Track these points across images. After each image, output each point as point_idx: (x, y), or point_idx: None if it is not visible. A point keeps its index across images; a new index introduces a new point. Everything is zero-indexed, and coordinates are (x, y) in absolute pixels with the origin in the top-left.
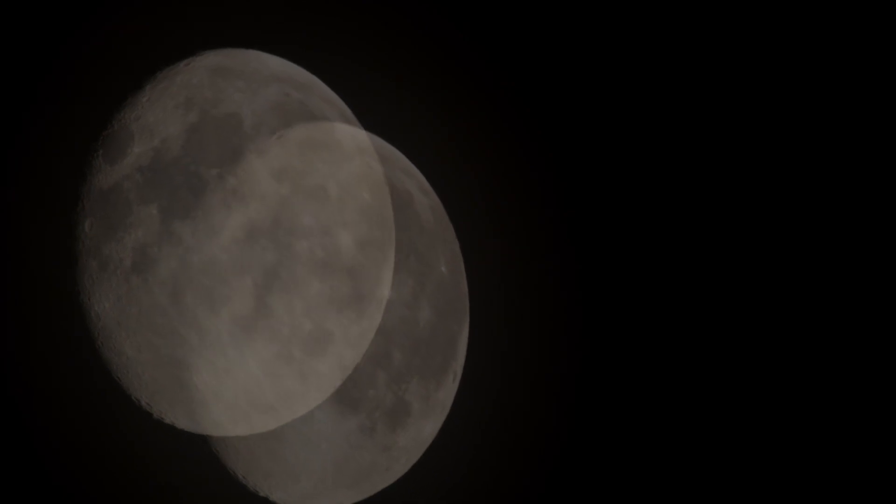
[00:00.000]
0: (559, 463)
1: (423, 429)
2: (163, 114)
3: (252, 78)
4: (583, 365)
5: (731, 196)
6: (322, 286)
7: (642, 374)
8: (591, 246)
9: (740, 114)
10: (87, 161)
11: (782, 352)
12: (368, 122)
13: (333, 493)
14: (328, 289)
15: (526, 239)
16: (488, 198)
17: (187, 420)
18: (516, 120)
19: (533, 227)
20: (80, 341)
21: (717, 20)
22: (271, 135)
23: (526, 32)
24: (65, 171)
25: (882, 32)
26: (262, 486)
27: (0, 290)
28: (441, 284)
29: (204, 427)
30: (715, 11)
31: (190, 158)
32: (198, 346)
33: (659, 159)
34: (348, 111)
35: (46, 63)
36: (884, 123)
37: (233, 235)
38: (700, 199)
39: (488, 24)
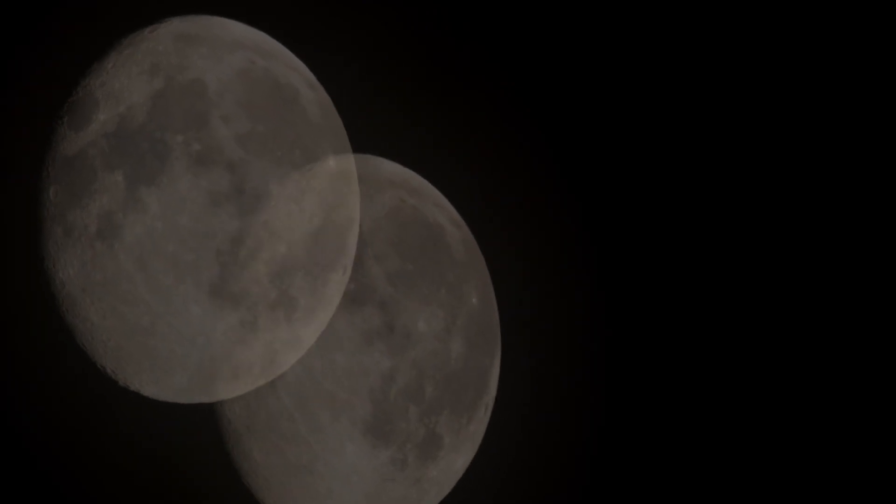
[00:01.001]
0: (590, 495)
1: (455, 462)
2: (128, 80)
3: (216, 44)
4: (614, 398)
5: (761, 219)
6: (288, 251)
7: (675, 406)
8: (625, 277)
9: (764, 118)
10: (51, 128)
11: (820, 376)
12: (400, 154)
13: None
14: (288, 252)
15: (557, 270)
16: (519, 229)
17: (153, 387)
18: (547, 151)
19: (565, 257)
20: (44, 308)
21: (726, 18)
22: (302, 168)
23: (557, 66)
24: (29, 139)
25: (882, 32)
26: None
27: None
28: (472, 316)
29: (169, 394)
30: (720, 10)
31: (155, 125)
32: (163, 312)
33: (689, 189)
34: (312, 77)
35: (10, 31)
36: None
37: (198, 202)
38: (734, 236)
39: (519, 56)
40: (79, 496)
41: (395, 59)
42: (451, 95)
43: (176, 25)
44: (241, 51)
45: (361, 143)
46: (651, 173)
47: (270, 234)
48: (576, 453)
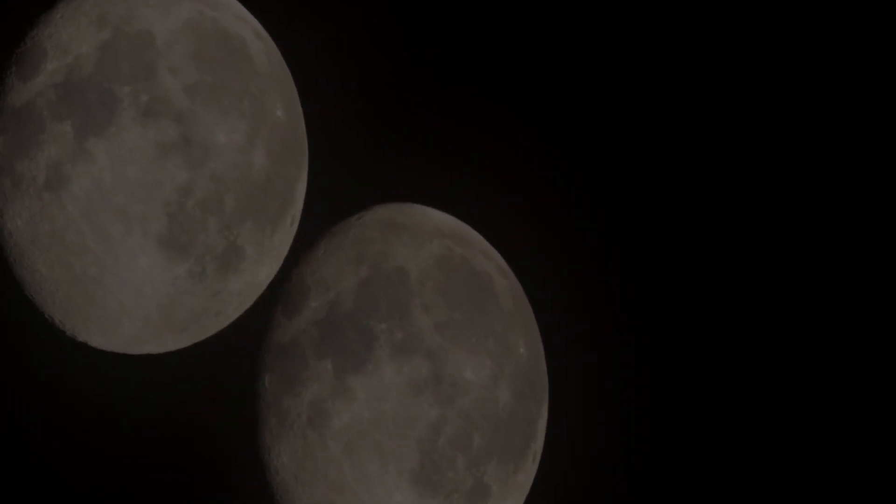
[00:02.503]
0: None
1: None
2: (76, 31)
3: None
4: (662, 448)
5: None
6: (237, 203)
7: (722, 452)
8: (673, 327)
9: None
10: None
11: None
12: (448, 203)
13: None
14: (236, 203)
15: (605, 320)
16: (567, 279)
17: (101, 337)
18: (595, 202)
19: (612, 307)
20: None
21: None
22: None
23: (608, 123)
24: None
25: (882, 32)
26: None
27: None
28: (520, 366)
29: (117, 344)
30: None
31: (103, 76)
32: (111, 264)
33: (740, 242)
34: (260, 27)
35: None
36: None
37: (146, 153)
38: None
39: (570, 112)
40: (23, 445)
41: (447, 112)
42: (501, 147)
43: None
44: (189, 1)
45: (410, 192)
46: (701, 224)
47: (218, 184)
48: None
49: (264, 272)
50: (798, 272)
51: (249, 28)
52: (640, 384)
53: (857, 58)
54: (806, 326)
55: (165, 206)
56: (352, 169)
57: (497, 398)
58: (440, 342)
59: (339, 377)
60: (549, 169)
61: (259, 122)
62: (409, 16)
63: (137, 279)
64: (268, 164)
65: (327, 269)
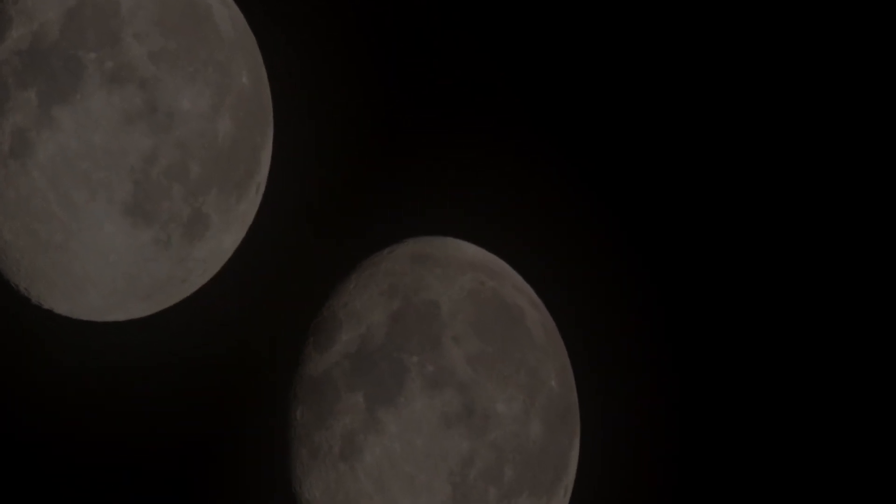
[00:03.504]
0: None
1: None
2: None
3: None
4: (695, 483)
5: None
6: (202, 170)
7: (757, 483)
8: (706, 361)
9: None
10: None
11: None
12: (479, 236)
13: None
14: (201, 170)
15: (638, 353)
16: (599, 312)
17: (66, 305)
18: (627, 237)
19: (645, 340)
20: None
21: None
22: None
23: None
24: None
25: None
26: None
27: None
28: (552, 399)
29: (82, 312)
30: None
31: (68, 42)
32: (76, 230)
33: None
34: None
35: None
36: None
37: (111, 120)
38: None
39: (603, 145)
40: None
41: (478, 144)
42: (535, 181)
43: None
44: None
45: (441, 225)
46: (741, 262)
47: (183, 151)
48: None
49: (230, 240)
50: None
51: None
52: (672, 418)
53: (858, 57)
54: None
55: (131, 172)
56: (382, 203)
57: (529, 431)
58: (472, 375)
59: (370, 410)
60: (583, 203)
61: (225, 89)
62: (420, 32)
63: (102, 246)
64: (234, 131)
65: (359, 302)
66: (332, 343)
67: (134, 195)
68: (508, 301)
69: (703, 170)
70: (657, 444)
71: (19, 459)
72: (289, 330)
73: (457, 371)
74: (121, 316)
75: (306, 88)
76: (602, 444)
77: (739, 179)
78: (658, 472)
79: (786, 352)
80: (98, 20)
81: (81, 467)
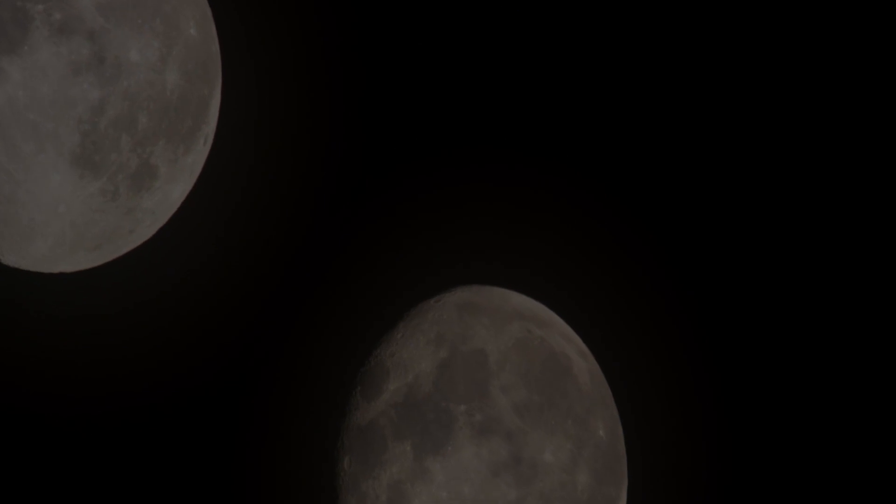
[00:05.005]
0: None
1: None
2: None
3: None
4: None
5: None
6: (150, 122)
7: None
8: (752, 409)
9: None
10: None
11: None
12: (527, 286)
13: None
14: (148, 121)
15: (685, 402)
16: (647, 361)
17: (14, 255)
18: (672, 284)
19: (693, 390)
20: None
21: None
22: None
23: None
24: None
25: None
26: None
27: None
28: (599, 448)
29: (30, 262)
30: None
31: None
32: (24, 180)
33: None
34: None
35: None
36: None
37: (59, 71)
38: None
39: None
40: None
41: (523, 198)
42: (582, 230)
43: None
44: None
45: (488, 274)
46: (787, 309)
47: (131, 103)
48: None
49: (177, 190)
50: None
51: None
52: (722, 469)
53: (858, 57)
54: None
55: (78, 123)
56: (429, 252)
57: (576, 480)
58: (519, 424)
59: (418, 459)
60: (631, 252)
61: (172, 40)
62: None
63: (50, 197)
64: (181, 82)
65: (406, 351)
66: (379, 392)
67: (82, 146)
68: (556, 350)
69: (755, 224)
70: (705, 493)
71: None
72: (336, 379)
73: (504, 420)
74: (69, 267)
75: (255, 40)
76: (649, 494)
77: (785, 234)
78: None
79: (846, 408)
80: None
81: (27, 416)
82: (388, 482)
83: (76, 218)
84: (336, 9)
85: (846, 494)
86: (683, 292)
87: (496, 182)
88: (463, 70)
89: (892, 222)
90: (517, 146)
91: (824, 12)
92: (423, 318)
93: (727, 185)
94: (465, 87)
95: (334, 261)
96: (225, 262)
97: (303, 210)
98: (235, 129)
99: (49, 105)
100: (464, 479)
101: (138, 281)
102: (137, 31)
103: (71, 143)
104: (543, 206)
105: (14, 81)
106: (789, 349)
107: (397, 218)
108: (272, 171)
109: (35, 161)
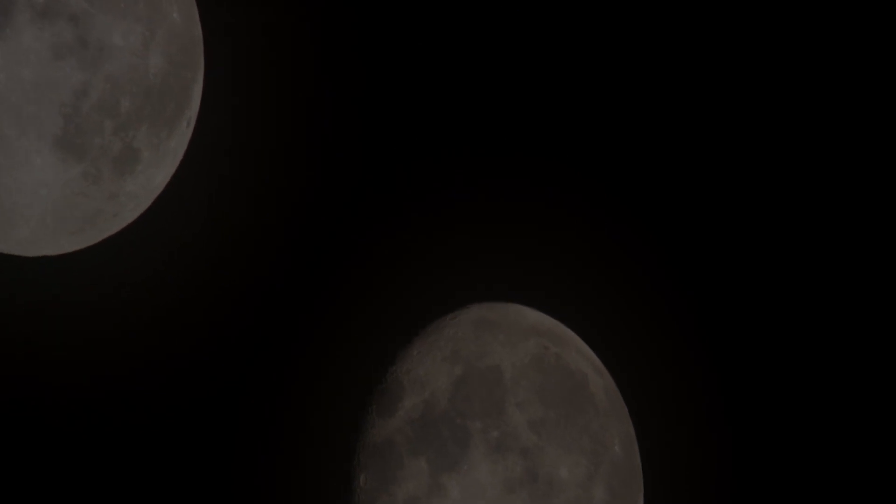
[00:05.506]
0: None
1: None
2: None
3: None
4: None
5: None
6: (133, 105)
7: None
8: (767, 426)
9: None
10: None
11: None
12: (543, 302)
13: None
14: (131, 105)
15: (700, 419)
16: (662, 378)
17: None
18: (688, 303)
19: (708, 406)
20: None
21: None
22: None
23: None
24: None
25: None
26: None
27: None
28: (615, 465)
29: (12, 246)
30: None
31: None
32: (5, 164)
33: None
34: None
35: None
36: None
37: (42, 54)
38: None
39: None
40: None
41: (538, 213)
42: (596, 246)
43: None
44: None
45: (505, 291)
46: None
47: (114, 86)
48: None
49: (160, 175)
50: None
51: None
52: (737, 483)
53: (858, 57)
54: None
55: (61, 107)
56: (444, 269)
57: (592, 497)
58: (535, 440)
59: (433, 476)
60: (646, 269)
61: (155, 24)
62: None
63: (32, 180)
64: (164, 66)
65: (422, 368)
66: (395, 409)
67: (64, 130)
68: (572, 367)
69: (770, 240)
70: None
71: None
72: (351, 396)
73: (520, 436)
74: (51, 250)
75: (237, 24)
76: None
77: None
78: None
79: (868, 423)
80: None
81: (7, 401)
82: (403, 499)
83: (58, 201)
84: (520, 197)
85: None
86: (700, 310)
87: (512, 198)
88: (477, 79)
89: (892, 222)
90: (533, 163)
91: (824, 12)
92: (439, 335)
93: (742, 202)
94: (480, 98)
95: (349, 277)
96: (209, 247)
97: (289, 198)
98: (218, 112)
99: (31, 88)
100: (480, 495)
101: (121, 265)
102: (120, 15)
103: (53, 126)
104: (559, 222)
105: None
106: (807, 367)
107: (412, 234)
108: (256, 156)
109: (17, 145)
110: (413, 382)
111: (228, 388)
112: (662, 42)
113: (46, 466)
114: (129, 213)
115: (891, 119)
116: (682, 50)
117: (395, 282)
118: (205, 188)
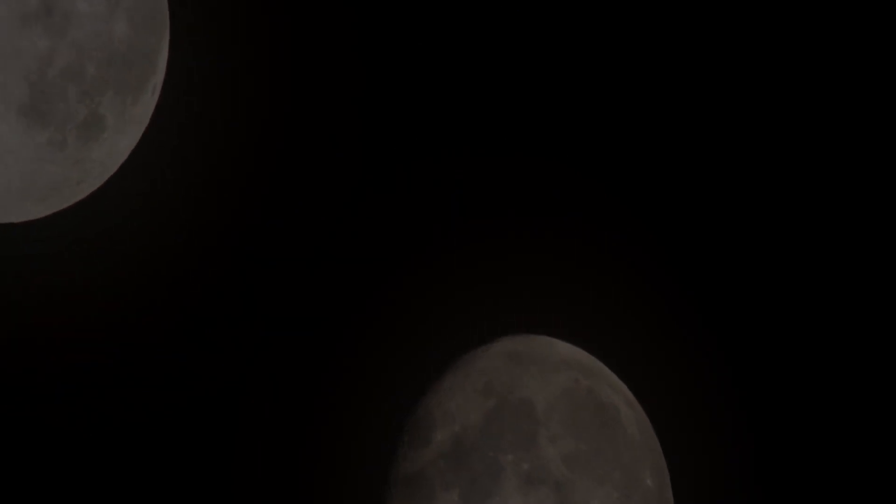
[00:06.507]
0: None
1: None
2: None
3: None
4: None
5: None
6: (98, 72)
7: None
8: (799, 457)
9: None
10: None
11: None
12: (575, 335)
13: None
14: (96, 72)
15: (732, 453)
16: (694, 411)
17: None
18: (715, 332)
19: (739, 441)
20: None
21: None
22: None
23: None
24: None
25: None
26: None
27: None
28: (647, 498)
29: None
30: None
31: None
32: None
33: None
34: None
35: None
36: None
37: (7, 22)
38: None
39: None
40: None
41: (569, 248)
42: (627, 280)
43: None
44: None
45: (537, 324)
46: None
47: (79, 53)
48: None
49: (125, 141)
50: None
51: None
52: None
53: (858, 57)
54: None
55: (26, 74)
56: (476, 302)
57: None
58: (567, 473)
59: None
60: (678, 302)
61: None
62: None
63: None
64: (129, 33)
65: (454, 401)
66: (427, 442)
67: (30, 96)
68: (603, 399)
69: (806, 276)
70: None
71: None
72: (383, 428)
73: (552, 469)
74: (17, 217)
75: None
76: None
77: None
78: None
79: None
80: None
81: None
82: None
83: (24, 168)
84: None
85: None
86: (731, 343)
87: (543, 232)
88: (508, 101)
89: (892, 222)
90: (563, 196)
91: (824, 12)
92: (471, 368)
93: (775, 230)
94: (510, 120)
95: (381, 311)
96: (175, 214)
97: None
98: (183, 79)
99: None
100: None
101: (87, 231)
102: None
103: (19, 93)
104: (590, 256)
105: None
106: (845, 405)
107: (447, 268)
108: (221, 124)
109: None
110: (445, 415)
111: (230, 388)
112: (674, 46)
113: (7, 437)
114: (95, 179)
115: (891, 119)
116: (698, 54)
117: (428, 315)
118: (169, 155)
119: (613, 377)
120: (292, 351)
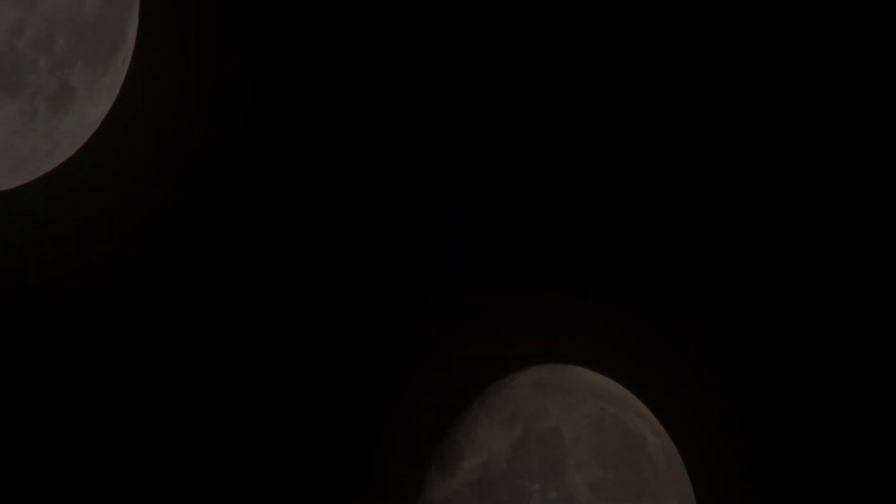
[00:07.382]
0: None
1: None
2: None
3: None
4: None
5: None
6: (68, 43)
7: None
8: (828, 487)
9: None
10: None
11: None
12: (602, 365)
13: None
14: (66, 43)
15: (759, 480)
16: (722, 441)
17: None
18: (743, 360)
19: (769, 467)
20: None
21: None
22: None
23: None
24: None
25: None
26: None
27: None
28: None
29: None
30: None
31: None
32: None
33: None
34: None
35: None
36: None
37: None
38: None
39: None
40: None
41: (596, 275)
42: (654, 309)
43: None
44: None
45: (564, 353)
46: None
47: (49, 24)
48: None
49: (96, 112)
50: None
51: None
52: None
53: (858, 57)
54: None
55: None
56: (503, 331)
57: None
58: (594, 501)
59: None
60: (705, 329)
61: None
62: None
63: None
64: (99, 3)
65: (480, 429)
66: (454, 471)
67: None
68: (630, 428)
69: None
70: None
71: None
72: (410, 457)
73: (579, 498)
74: None
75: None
76: None
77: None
78: None
79: None
80: None
81: None
82: None
83: None
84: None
85: None
86: (759, 371)
87: (570, 263)
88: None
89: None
90: (589, 227)
91: (824, 12)
92: (498, 397)
93: (808, 259)
94: (510, 120)
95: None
96: (145, 185)
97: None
98: (154, 50)
99: None
100: None
101: (57, 203)
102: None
103: None
104: (616, 285)
105: None
106: (873, 436)
107: (471, 297)
108: (192, 95)
109: None
110: (471, 444)
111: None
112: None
113: None
114: (64, 151)
115: (891, 119)
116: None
117: (453, 343)
118: (140, 126)
119: (641, 406)
120: (292, 351)
